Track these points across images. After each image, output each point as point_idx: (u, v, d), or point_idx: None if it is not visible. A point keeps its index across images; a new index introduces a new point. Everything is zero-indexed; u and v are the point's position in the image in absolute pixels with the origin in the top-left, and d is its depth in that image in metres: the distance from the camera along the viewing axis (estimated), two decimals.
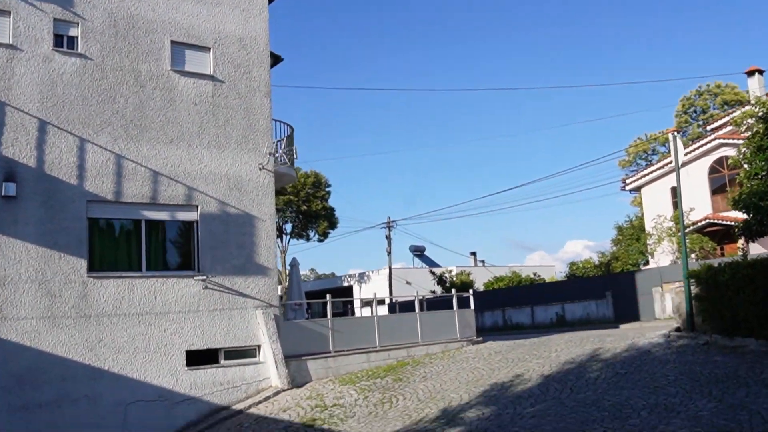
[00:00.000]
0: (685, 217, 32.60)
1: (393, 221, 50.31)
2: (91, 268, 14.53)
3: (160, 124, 15.63)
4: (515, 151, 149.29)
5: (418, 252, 61.83)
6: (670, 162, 38.53)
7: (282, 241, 53.66)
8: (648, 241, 35.20)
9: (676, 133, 16.13)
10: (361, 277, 55.72)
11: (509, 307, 35.63)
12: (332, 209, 52.70)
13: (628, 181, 41.23)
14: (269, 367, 16.00)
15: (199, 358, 15.38)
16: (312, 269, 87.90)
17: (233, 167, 16.46)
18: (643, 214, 40.87)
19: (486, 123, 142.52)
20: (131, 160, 15.15)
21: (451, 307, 20.48)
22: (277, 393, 15.68)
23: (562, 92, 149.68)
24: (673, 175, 37.54)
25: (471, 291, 22.31)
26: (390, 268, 50.16)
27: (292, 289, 22.62)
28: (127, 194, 15.06)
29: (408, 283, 52.31)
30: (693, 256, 30.56)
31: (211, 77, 16.44)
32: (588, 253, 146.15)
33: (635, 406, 10.48)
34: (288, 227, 53.44)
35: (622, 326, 26.60)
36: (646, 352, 14.24)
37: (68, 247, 14.28)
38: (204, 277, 15.55)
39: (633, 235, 39.23)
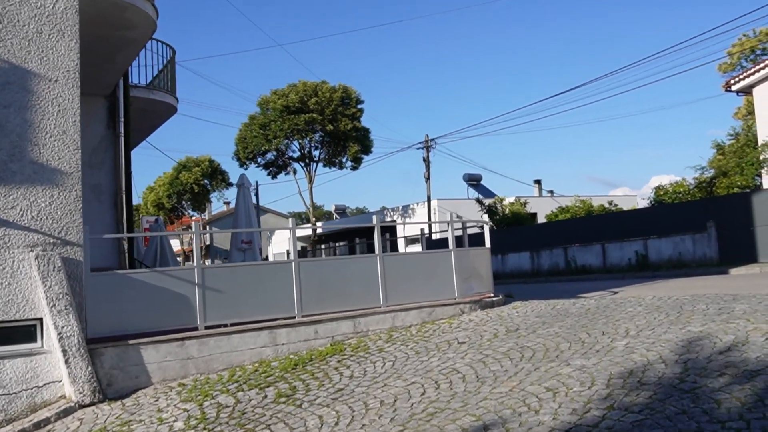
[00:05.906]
0: None
1: (432, 140, 41.47)
2: None
3: None
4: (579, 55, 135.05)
5: (474, 182, 52.75)
6: None
7: (309, 169, 45.90)
8: (763, 155, 25.84)
9: None
10: (405, 211, 47.58)
11: (575, 243, 26.83)
12: (366, 130, 44.37)
13: (733, 81, 31.80)
14: (58, 362, 8.25)
15: None
16: (383, 207, 79.22)
17: None
18: (753, 123, 31.48)
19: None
20: None
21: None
22: (67, 412, 7.93)
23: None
24: None
25: (486, 220, 13.72)
26: (429, 198, 41.65)
27: (239, 218, 15.56)
28: None
29: (459, 216, 44.28)
30: None
31: None
32: None
33: None
34: (316, 154, 45.56)
35: (732, 271, 18.45)
36: None
37: None
38: None
39: (738, 152, 29.76)
